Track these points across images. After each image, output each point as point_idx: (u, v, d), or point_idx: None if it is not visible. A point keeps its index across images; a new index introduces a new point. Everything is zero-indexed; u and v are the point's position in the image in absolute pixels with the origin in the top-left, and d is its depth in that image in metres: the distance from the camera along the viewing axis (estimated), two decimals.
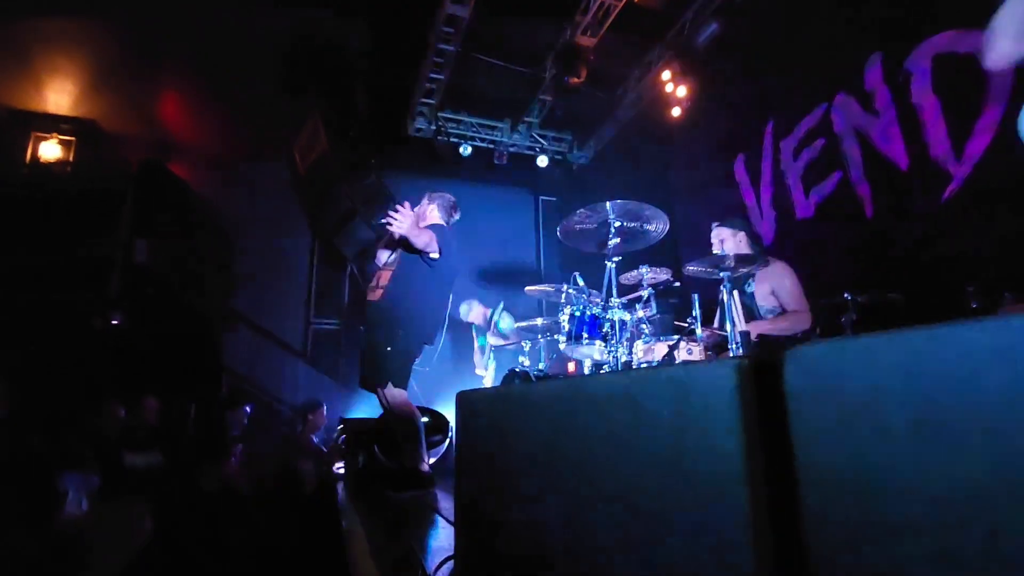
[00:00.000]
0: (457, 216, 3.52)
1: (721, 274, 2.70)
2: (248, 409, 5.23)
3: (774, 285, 3.12)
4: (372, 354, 3.16)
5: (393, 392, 3.08)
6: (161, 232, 5.19)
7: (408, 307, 3.15)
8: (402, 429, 3.07)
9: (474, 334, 5.60)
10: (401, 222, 2.91)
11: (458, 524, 1.49)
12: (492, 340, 5.34)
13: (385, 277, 3.22)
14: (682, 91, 5.76)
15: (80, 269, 4.94)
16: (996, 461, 0.52)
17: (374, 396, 3.18)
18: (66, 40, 6.39)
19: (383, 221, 3.03)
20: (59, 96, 6.34)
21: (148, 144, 6.39)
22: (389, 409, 3.10)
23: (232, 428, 5.05)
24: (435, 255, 3.11)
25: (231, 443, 4.97)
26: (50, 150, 6.06)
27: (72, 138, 6.21)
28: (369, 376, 3.15)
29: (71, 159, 6.13)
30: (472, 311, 5.49)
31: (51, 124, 6.15)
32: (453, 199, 3.52)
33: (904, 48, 3.74)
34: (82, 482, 3.14)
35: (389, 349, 3.09)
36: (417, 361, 3.31)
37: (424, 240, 3.02)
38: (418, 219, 3.31)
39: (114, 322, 4.88)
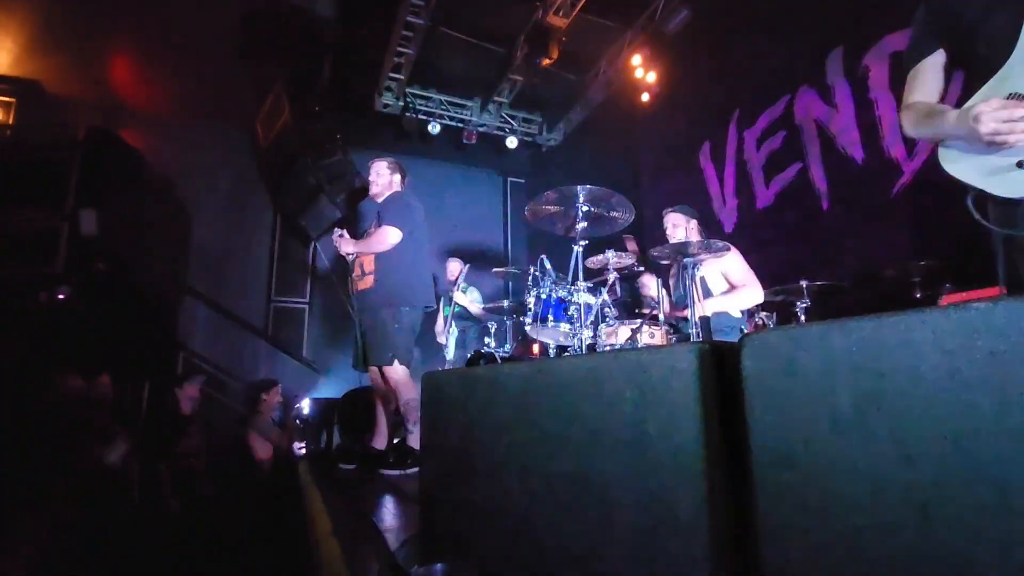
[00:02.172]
0: (408, 176, 3.57)
1: (684, 260, 2.76)
2: (197, 383, 5.03)
3: (723, 268, 3.20)
4: (375, 334, 3.16)
5: (397, 369, 3.12)
6: (111, 203, 4.93)
7: (403, 283, 3.19)
8: (403, 406, 3.10)
9: (441, 304, 5.62)
10: (346, 244, 3.26)
11: (422, 503, 1.51)
12: (457, 297, 5.39)
13: (368, 263, 3.21)
14: (651, 77, 5.80)
15: (22, 241, 4.66)
16: (932, 441, 0.56)
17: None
18: None
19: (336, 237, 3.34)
20: None
21: (97, 108, 6.02)
22: (393, 387, 3.14)
23: (183, 405, 4.85)
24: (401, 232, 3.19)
25: (184, 421, 4.80)
26: None
27: (12, 99, 5.82)
28: (373, 356, 3.16)
29: (11, 122, 5.75)
30: (449, 267, 5.55)
31: None
32: (398, 161, 3.55)
33: (864, 44, 3.85)
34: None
35: (397, 327, 3.12)
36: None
37: (390, 239, 3.13)
38: (384, 190, 3.39)
39: (60, 297, 4.65)
